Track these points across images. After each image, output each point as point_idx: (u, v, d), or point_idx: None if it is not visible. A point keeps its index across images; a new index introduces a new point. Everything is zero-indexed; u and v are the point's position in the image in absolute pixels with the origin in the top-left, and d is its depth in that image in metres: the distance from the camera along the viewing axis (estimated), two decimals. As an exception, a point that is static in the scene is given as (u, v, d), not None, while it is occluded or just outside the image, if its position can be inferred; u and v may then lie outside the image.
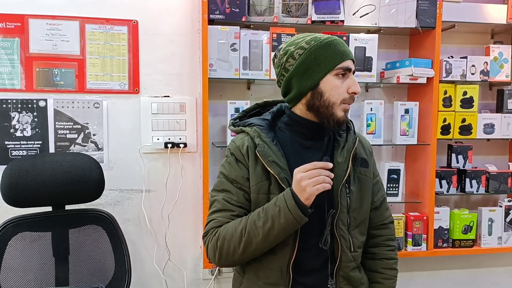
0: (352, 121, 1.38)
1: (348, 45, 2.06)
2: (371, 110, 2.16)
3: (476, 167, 2.32)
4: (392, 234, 1.42)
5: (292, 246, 1.22)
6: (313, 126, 1.26)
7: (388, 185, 2.20)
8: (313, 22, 2.06)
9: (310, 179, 1.13)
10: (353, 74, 1.24)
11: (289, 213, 1.13)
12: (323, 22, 2.06)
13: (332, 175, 1.17)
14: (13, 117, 2.04)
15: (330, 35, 1.24)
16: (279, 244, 1.21)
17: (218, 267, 2.08)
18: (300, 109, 1.27)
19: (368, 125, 2.16)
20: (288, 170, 1.21)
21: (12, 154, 2.04)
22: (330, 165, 1.16)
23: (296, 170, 1.16)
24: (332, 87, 1.21)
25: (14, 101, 2.03)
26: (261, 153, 1.22)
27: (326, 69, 1.21)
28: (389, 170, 2.20)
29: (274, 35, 2.04)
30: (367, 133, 2.16)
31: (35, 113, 2.06)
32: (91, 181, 1.76)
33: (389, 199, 2.20)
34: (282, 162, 1.22)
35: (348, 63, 1.21)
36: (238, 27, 2.02)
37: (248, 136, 1.27)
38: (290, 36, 2.03)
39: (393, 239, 1.42)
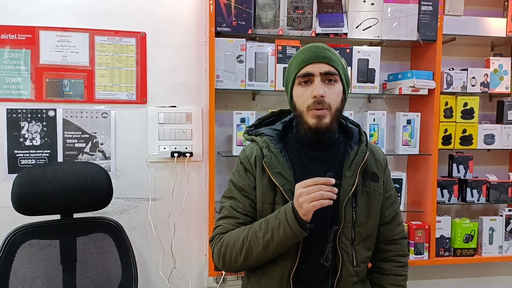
0: (365, 133, 1.35)
1: (351, 57, 2.13)
2: (374, 121, 2.19)
3: (477, 177, 2.35)
4: (403, 250, 1.39)
5: (293, 258, 1.23)
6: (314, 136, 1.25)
7: (391, 194, 2.23)
8: (317, 34, 2.10)
9: (309, 195, 1.11)
10: (327, 75, 1.20)
11: (288, 227, 1.14)
12: (327, 34, 2.11)
13: (336, 190, 1.14)
14: (23, 127, 2.07)
15: (308, 44, 1.25)
16: (281, 255, 1.23)
17: (223, 275, 2.10)
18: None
19: (371, 135, 2.20)
20: (293, 181, 1.21)
21: (21, 163, 2.08)
22: (333, 181, 1.13)
23: (297, 186, 1.15)
24: (298, 96, 1.23)
25: (24, 110, 2.07)
26: (267, 164, 1.24)
27: (291, 80, 1.25)
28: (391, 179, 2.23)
29: (279, 47, 2.08)
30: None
31: (44, 123, 2.09)
32: (99, 189, 1.78)
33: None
34: (288, 173, 1.23)
35: (308, 69, 1.20)
36: (244, 39, 2.07)
37: (258, 146, 1.29)
38: (295, 49, 2.09)
39: (403, 255, 1.39)
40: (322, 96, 1.18)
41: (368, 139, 1.35)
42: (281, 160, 1.25)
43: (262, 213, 1.25)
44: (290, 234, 1.14)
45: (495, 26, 2.25)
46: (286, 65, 2.02)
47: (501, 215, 2.36)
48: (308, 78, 1.21)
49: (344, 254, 1.24)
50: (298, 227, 1.13)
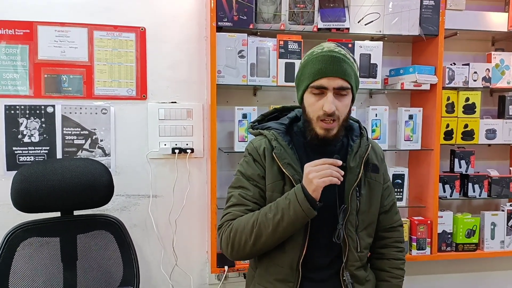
0: (365, 127, 1.43)
1: (353, 53, 2.11)
2: (376, 116, 2.19)
3: (478, 172, 2.35)
4: (400, 236, 1.47)
5: (302, 244, 1.27)
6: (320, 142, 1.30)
7: (393, 190, 2.23)
8: (319, 29, 2.09)
9: (318, 172, 1.17)
10: (339, 89, 1.22)
11: (298, 206, 1.18)
12: (329, 29, 2.09)
13: (342, 173, 1.20)
14: (21, 123, 2.04)
15: (325, 49, 1.25)
16: (289, 242, 1.27)
17: (225, 272, 2.08)
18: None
19: (373, 131, 2.19)
20: (302, 172, 1.25)
21: (20, 159, 2.05)
22: (340, 162, 1.20)
23: (306, 165, 1.21)
24: (309, 104, 1.27)
25: (22, 107, 2.04)
26: (278, 155, 1.28)
27: (304, 85, 1.27)
28: (393, 175, 2.22)
29: (281, 42, 2.06)
30: (372, 139, 2.18)
31: (43, 119, 2.07)
32: (100, 186, 1.77)
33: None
34: (297, 164, 1.28)
35: (322, 82, 1.22)
36: (246, 34, 2.05)
37: (266, 139, 1.34)
38: (296, 43, 2.07)
39: (401, 241, 1.47)
40: (333, 111, 1.22)
41: (368, 133, 1.42)
42: (289, 152, 1.30)
43: (271, 201, 1.28)
44: (301, 213, 1.18)
45: (497, 21, 2.25)
46: (288, 60, 2.05)
47: (502, 210, 2.36)
48: (321, 91, 1.24)
49: (350, 240, 1.30)
50: (308, 205, 1.17)
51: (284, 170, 1.27)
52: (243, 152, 1.41)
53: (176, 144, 2.18)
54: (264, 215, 1.22)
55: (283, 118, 1.41)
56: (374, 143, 1.44)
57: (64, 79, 2.08)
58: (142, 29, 2.14)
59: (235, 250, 1.27)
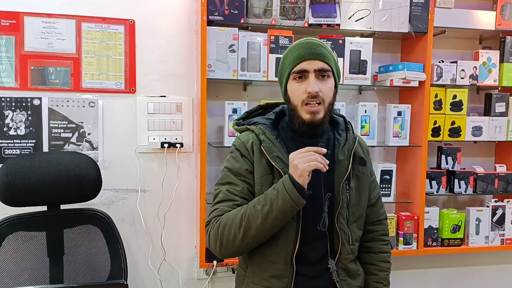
0: (350, 122, 1.44)
1: (344, 49, 2.13)
2: (365, 112, 2.20)
3: (464, 168, 2.38)
4: (386, 229, 1.50)
5: (295, 238, 1.26)
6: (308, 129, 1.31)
7: (381, 185, 2.25)
8: (310, 25, 2.09)
9: (302, 158, 1.18)
10: (320, 72, 1.25)
11: (287, 194, 1.17)
12: (320, 25, 2.09)
13: (327, 161, 1.20)
14: (7, 116, 2.00)
15: (303, 39, 1.30)
16: (281, 236, 1.26)
17: (214, 267, 2.08)
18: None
19: (362, 127, 2.20)
20: None
21: (5, 152, 2.01)
22: (324, 150, 1.21)
23: (291, 154, 1.22)
24: (292, 91, 1.29)
25: (8, 99, 2.00)
26: (266, 149, 1.28)
27: (286, 75, 1.29)
28: (382, 171, 2.24)
29: (272, 37, 2.06)
30: (361, 135, 2.20)
31: (29, 112, 2.03)
32: (88, 180, 1.75)
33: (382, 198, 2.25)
34: (286, 158, 1.27)
35: (303, 65, 1.25)
36: (237, 28, 2.04)
37: (253, 134, 1.33)
38: (287, 39, 2.07)
39: (387, 234, 1.49)
40: (316, 92, 1.24)
41: (353, 127, 1.44)
42: (278, 145, 1.30)
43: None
44: (289, 202, 1.17)
45: (485, 19, 2.27)
46: (279, 55, 2.05)
47: (487, 206, 2.40)
48: (302, 74, 1.26)
49: (342, 233, 1.30)
50: (296, 193, 1.17)
51: (273, 163, 1.27)
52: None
53: (165, 139, 2.16)
54: (252, 207, 1.22)
55: (269, 114, 1.41)
56: (359, 137, 1.44)
57: (51, 71, 2.04)
58: (131, 21, 2.11)
59: (224, 246, 1.25)
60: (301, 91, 1.25)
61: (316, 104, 1.25)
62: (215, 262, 2.06)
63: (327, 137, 1.36)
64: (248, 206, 1.24)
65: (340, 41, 2.13)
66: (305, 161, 1.17)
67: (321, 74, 1.26)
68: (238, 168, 1.31)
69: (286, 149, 1.30)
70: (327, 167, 1.21)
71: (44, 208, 1.79)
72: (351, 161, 1.32)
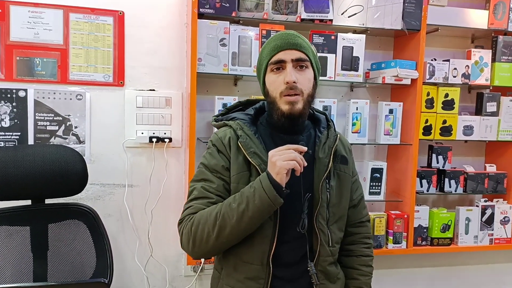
0: (332, 120, 1.42)
1: (336, 45, 2.11)
2: (357, 109, 2.18)
3: (454, 168, 2.38)
4: (368, 232, 1.45)
5: (272, 238, 1.22)
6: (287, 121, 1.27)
7: (371, 183, 2.23)
8: (302, 20, 2.06)
9: (281, 156, 1.14)
10: (298, 62, 1.23)
11: (264, 193, 1.13)
12: (312, 20, 2.07)
13: (305, 163, 1.17)
14: (-9, 107, 1.96)
15: (279, 32, 1.29)
16: (257, 236, 1.21)
17: (201, 264, 2.05)
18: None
19: (353, 124, 2.18)
20: None
21: (-11, 145, 1.97)
22: (305, 148, 1.18)
23: (270, 151, 1.18)
24: (270, 83, 1.26)
25: (-8, 90, 1.95)
26: (243, 144, 1.24)
27: (263, 68, 1.27)
28: (372, 169, 2.23)
29: (264, 32, 2.03)
30: (352, 132, 2.18)
31: (14, 104, 1.98)
32: (73, 174, 1.71)
33: (371, 197, 2.24)
34: (263, 154, 1.24)
35: (280, 55, 1.23)
36: (228, 22, 2.00)
37: (231, 129, 1.30)
38: (279, 33, 2.04)
39: (369, 237, 1.45)
40: (294, 82, 1.21)
41: (335, 125, 1.41)
42: (255, 141, 1.26)
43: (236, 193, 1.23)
44: (266, 201, 1.13)
45: (477, 18, 2.27)
46: (270, 50, 2.01)
47: (477, 206, 2.40)
48: (280, 65, 1.24)
49: (321, 234, 1.26)
50: (274, 191, 1.13)
51: (250, 159, 1.22)
52: None
53: (153, 133, 2.13)
54: (228, 206, 1.17)
55: (249, 109, 1.38)
56: (341, 135, 1.41)
57: (38, 62, 2.00)
58: (120, 13, 2.07)
59: (197, 245, 1.19)
60: (279, 82, 1.23)
61: (294, 95, 1.22)
62: (202, 260, 2.03)
63: (307, 134, 1.33)
64: (224, 204, 1.19)
65: (333, 37, 2.11)
66: (284, 158, 1.13)
67: (299, 64, 1.23)
68: (214, 165, 1.27)
69: (265, 145, 1.27)
70: (302, 170, 1.17)
71: (28, 202, 1.75)
72: (331, 159, 1.29)
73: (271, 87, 1.25)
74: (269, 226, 1.22)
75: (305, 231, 1.24)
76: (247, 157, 1.23)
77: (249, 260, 1.24)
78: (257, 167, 1.21)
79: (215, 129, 1.98)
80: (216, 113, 2.01)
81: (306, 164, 1.17)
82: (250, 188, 1.17)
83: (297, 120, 1.25)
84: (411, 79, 2.20)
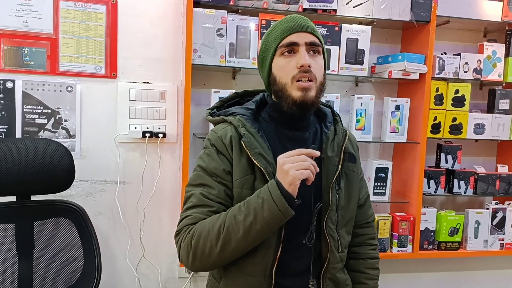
0: (339, 114, 1.31)
1: (340, 36, 2.01)
2: (361, 105, 2.08)
3: (464, 168, 2.27)
4: (374, 233, 1.37)
5: (276, 248, 1.12)
6: (292, 114, 1.16)
7: (376, 183, 2.13)
8: (304, 10, 1.97)
9: (295, 163, 1.03)
10: (311, 46, 1.13)
11: (274, 205, 1.02)
12: (315, 10, 1.97)
13: (318, 169, 1.06)
14: (-23, 98, 1.88)
15: (289, 15, 1.17)
16: (261, 246, 1.10)
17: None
18: (273, 97, 1.20)
19: (357, 121, 2.08)
20: (274, 164, 1.10)
21: (-26, 138, 1.89)
22: (318, 153, 1.07)
23: (279, 157, 1.07)
24: (280, 68, 1.14)
25: (-22, 80, 1.88)
26: (247, 144, 1.12)
27: (271, 52, 1.15)
28: (377, 168, 2.13)
29: (263, 22, 1.93)
30: (356, 129, 2.08)
31: (1, 95, 1.91)
32: (59, 170, 1.63)
33: (375, 198, 2.15)
34: (269, 155, 1.13)
35: (292, 37, 1.12)
36: (226, 11, 1.91)
37: (231, 126, 1.17)
38: (280, 24, 1.94)
39: (375, 238, 1.37)
40: (308, 66, 1.10)
41: (341, 120, 1.30)
42: (260, 140, 1.14)
43: (240, 200, 1.11)
44: (277, 213, 1.02)
45: (491, 10, 2.16)
46: (270, 41, 1.92)
47: (487, 208, 2.30)
48: (292, 48, 1.12)
49: (331, 240, 1.17)
50: (285, 203, 1.01)
51: (255, 161, 1.10)
52: None
53: (147, 128, 2.04)
54: (233, 217, 1.05)
55: (248, 103, 1.25)
56: (349, 131, 1.30)
57: (26, 52, 1.92)
58: (113, 1, 1.99)
59: (198, 260, 1.08)
60: (290, 67, 1.11)
61: (308, 80, 1.10)
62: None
63: (313, 130, 1.22)
64: (227, 215, 1.07)
65: (337, 28, 2.00)
66: (298, 167, 1.02)
67: (312, 48, 1.13)
68: (213, 168, 1.14)
69: (269, 143, 1.15)
70: (314, 178, 1.06)
71: (13, 198, 1.67)
72: (341, 158, 1.18)
73: (280, 72, 1.13)
74: (273, 236, 1.11)
75: (312, 244, 1.14)
76: (252, 158, 1.11)
77: (251, 273, 1.14)
78: (262, 169, 1.10)
79: (211, 125, 1.92)
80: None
81: (318, 170, 1.06)
82: (257, 198, 1.05)
83: (309, 110, 1.15)
84: (420, 73, 2.09)
